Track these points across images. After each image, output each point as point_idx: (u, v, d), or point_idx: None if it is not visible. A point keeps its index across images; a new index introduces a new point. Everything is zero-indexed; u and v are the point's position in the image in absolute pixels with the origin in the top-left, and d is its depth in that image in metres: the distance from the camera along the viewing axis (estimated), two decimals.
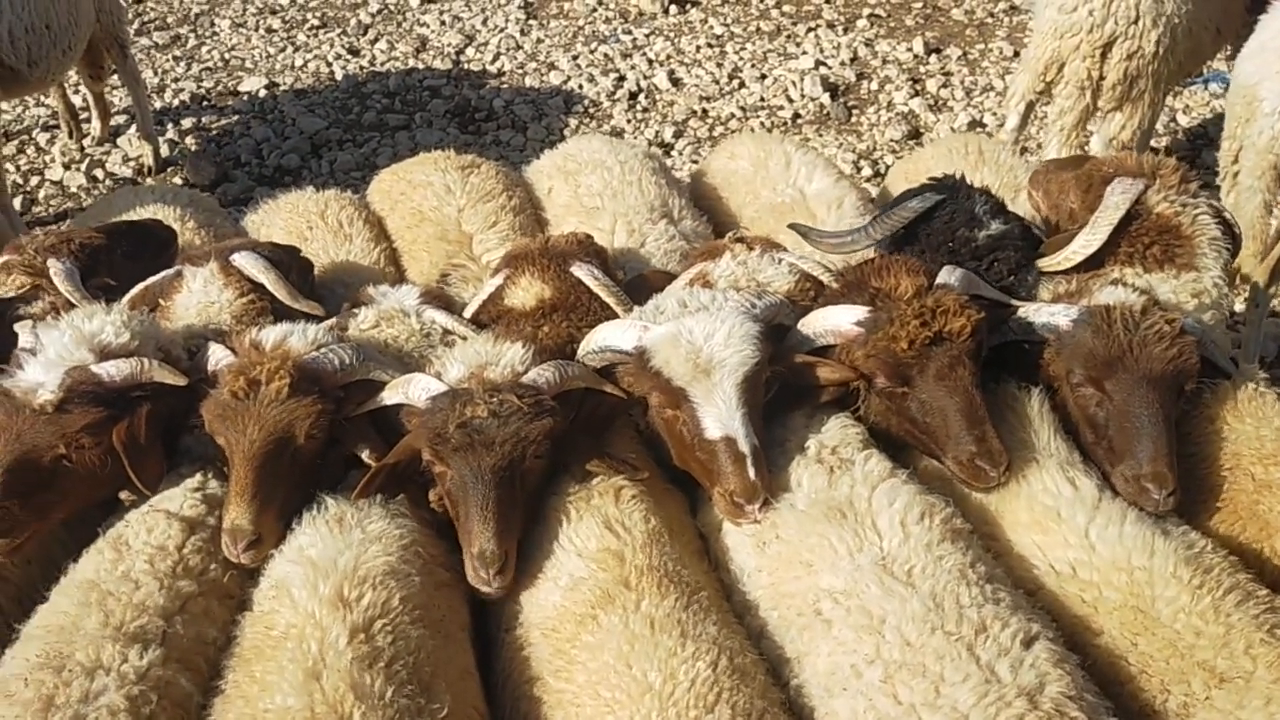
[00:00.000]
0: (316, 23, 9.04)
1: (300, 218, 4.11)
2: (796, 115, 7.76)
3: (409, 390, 2.76)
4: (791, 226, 3.42)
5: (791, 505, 2.70)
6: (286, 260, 3.41)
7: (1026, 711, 2.14)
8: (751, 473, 2.63)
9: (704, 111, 7.82)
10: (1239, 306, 5.38)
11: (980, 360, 2.79)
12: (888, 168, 6.76)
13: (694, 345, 2.72)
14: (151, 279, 3.35)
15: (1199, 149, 7.26)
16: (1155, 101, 5.63)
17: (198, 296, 3.25)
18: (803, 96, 7.94)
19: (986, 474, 2.66)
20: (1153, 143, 6.96)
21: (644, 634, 2.40)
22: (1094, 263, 3.20)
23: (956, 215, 3.29)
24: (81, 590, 2.49)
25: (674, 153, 7.37)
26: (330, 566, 2.42)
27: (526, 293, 3.23)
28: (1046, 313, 2.96)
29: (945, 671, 2.24)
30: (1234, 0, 5.97)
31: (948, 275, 2.92)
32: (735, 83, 8.19)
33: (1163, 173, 3.33)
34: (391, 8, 9.34)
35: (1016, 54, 8.02)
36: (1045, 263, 3.23)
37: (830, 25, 8.97)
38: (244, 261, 3.16)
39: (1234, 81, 4.74)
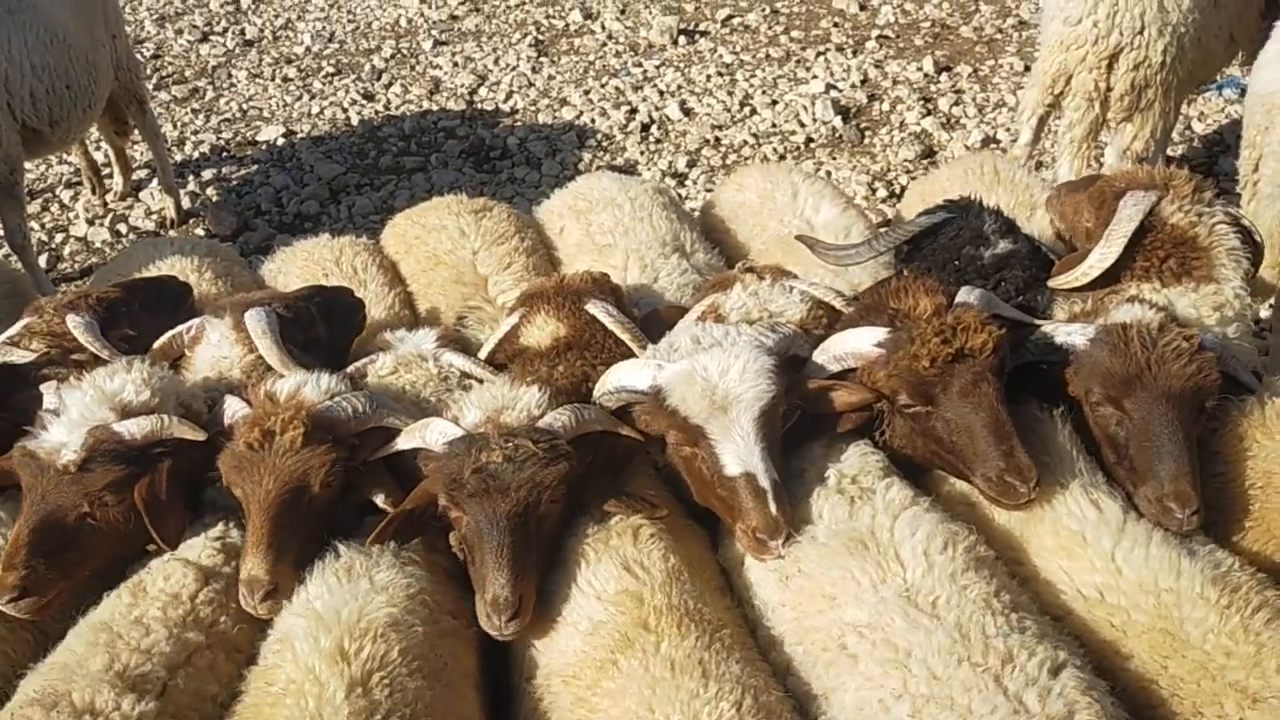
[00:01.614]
0: (332, 70, 9.16)
1: (316, 265, 4.16)
2: (809, 139, 7.77)
3: (425, 435, 2.78)
4: (799, 238, 3.43)
5: (813, 538, 2.68)
6: (306, 314, 3.42)
7: None
8: (773, 508, 2.62)
9: (717, 140, 7.85)
10: (1264, 313, 5.32)
11: (1003, 377, 2.76)
12: (903, 188, 6.75)
13: (709, 382, 2.72)
14: (175, 329, 3.38)
15: (1215, 156, 7.21)
16: (1167, 111, 5.59)
17: (213, 351, 3.28)
18: (815, 120, 7.95)
19: (1016, 490, 2.61)
20: (1169, 151, 6.92)
21: (665, 676, 2.38)
22: (1110, 279, 3.16)
23: (963, 233, 3.29)
24: (94, 631, 2.54)
25: (688, 182, 7.40)
26: (334, 619, 2.43)
27: (542, 331, 3.24)
28: (1064, 332, 2.94)
29: (973, 704, 2.21)
30: (1248, 7, 5.94)
31: (967, 294, 2.91)
32: (747, 110, 8.22)
33: (1175, 183, 3.28)
34: (405, 52, 9.46)
35: (1027, 69, 8.00)
36: (1059, 281, 3.20)
37: (839, 48, 9.00)
38: (249, 321, 3.19)
39: (1252, 89, 4.71)
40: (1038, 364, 2.93)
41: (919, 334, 2.75)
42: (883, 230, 3.26)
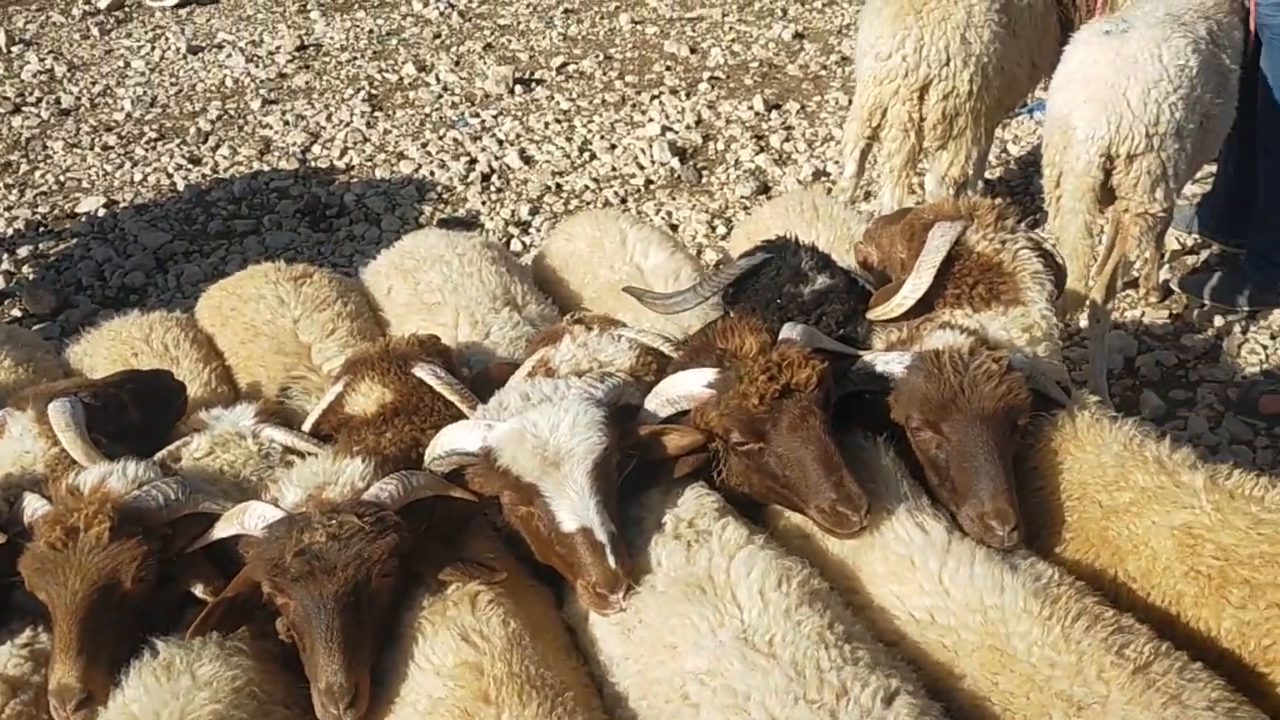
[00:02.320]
0: (154, 135, 8.84)
1: (124, 345, 3.96)
2: (649, 181, 7.87)
3: (244, 520, 2.65)
4: (626, 290, 3.45)
5: (652, 587, 2.66)
6: (117, 401, 3.25)
7: None
8: (611, 561, 2.59)
9: (558, 186, 7.87)
10: (1083, 323, 5.61)
11: (830, 409, 2.81)
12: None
13: (540, 439, 2.68)
14: None
15: (1030, 176, 7.57)
16: (979, 137, 5.86)
17: (14, 445, 3.08)
18: (653, 163, 8.06)
19: (849, 519, 2.65)
20: (988, 173, 7.26)
21: None
22: (924, 308, 3.27)
23: (783, 272, 3.35)
24: None
25: (532, 230, 7.39)
26: None
27: (367, 398, 3.15)
28: (882, 361, 3.02)
29: None
30: (1045, 36, 6.29)
31: (789, 330, 2.96)
32: (586, 155, 8.28)
33: (979, 213, 3.42)
34: (232, 113, 9.21)
35: (850, 103, 8.29)
36: (876, 313, 3.29)
37: (673, 91, 9.16)
38: (53, 413, 3.02)
39: (1049, 113, 5.00)
40: (861, 393, 3.00)
41: (746, 373, 2.77)
42: (707, 276, 3.31)
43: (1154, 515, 2.75)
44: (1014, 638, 2.46)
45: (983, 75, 5.58)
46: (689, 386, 2.89)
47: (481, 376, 3.37)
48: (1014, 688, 2.42)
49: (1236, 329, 5.94)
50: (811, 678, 2.31)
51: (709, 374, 2.85)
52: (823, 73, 9.38)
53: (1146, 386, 5.56)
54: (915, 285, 3.22)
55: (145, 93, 9.65)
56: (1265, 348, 5.81)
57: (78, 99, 9.60)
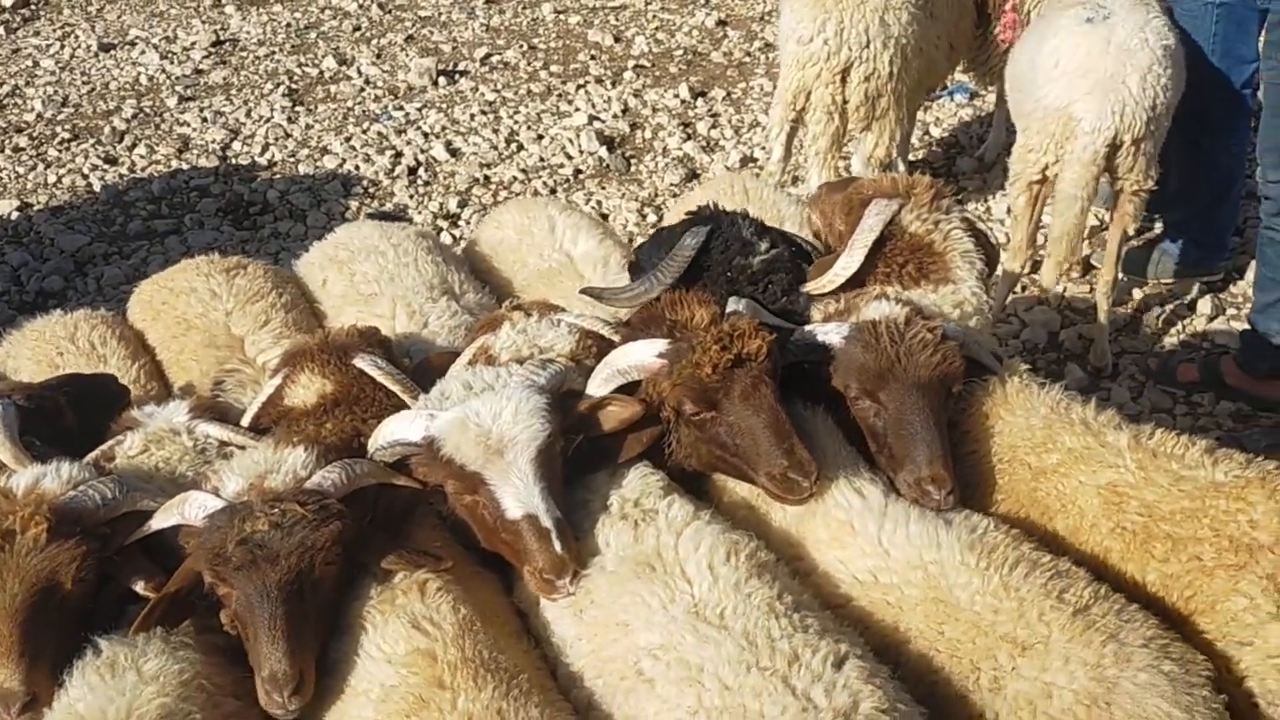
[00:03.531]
0: (68, 135, 8.59)
1: (49, 344, 3.87)
2: (578, 171, 7.86)
3: (185, 510, 2.61)
4: (584, 292, 3.44)
5: (602, 568, 2.69)
6: (52, 404, 3.18)
7: None
8: (557, 546, 2.61)
9: (486, 179, 7.83)
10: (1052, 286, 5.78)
11: (778, 379, 2.86)
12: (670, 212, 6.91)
13: (483, 427, 2.68)
14: None
15: (953, 157, 7.75)
16: (902, 118, 5.97)
17: None
18: (581, 152, 8.05)
19: (799, 485, 2.70)
20: (911, 155, 7.39)
21: None
22: (857, 283, 3.33)
23: (730, 245, 3.38)
24: None
25: (461, 222, 7.34)
26: None
27: (307, 390, 3.11)
28: (821, 332, 3.08)
29: (764, 708, 2.26)
30: (962, 18, 6.43)
31: (735, 304, 3.02)
32: (514, 146, 8.24)
33: (916, 192, 3.49)
34: (148, 111, 8.98)
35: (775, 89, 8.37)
36: (810, 286, 3.35)
37: (599, 80, 9.16)
38: None
39: (1039, 103, 5.07)
40: (800, 364, 3.04)
41: (699, 342, 2.81)
42: (661, 262, 3.31)
43: (1081, 475, 2.86)
44: (956, 589, 2.56)
45: (902, 57, 5.68)
46: (640, 356, 2.91)
47: (422, 366, 3.35)
48: (960, 635, 2.52)
49: (1155, 301, 6.13)
50: (763, 646, 2.37)
51: (660, 344, 2.89)
52: (747, 59, 9.45)
53: (1069, 359, 5.72)
54: (847, 264, 3.29)
55: (56, 92, 9.36)
56: (1183, 319, 6.01)
57: None
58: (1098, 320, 5.52)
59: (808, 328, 3.14)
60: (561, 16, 10.52)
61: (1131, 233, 5.54)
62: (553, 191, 7.62)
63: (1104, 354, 5.53)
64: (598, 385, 2.93)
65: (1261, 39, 5.18)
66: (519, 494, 2.63)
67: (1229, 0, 5.26)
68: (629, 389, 2.92)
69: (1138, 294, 6.18)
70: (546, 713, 2.41)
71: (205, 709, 2.42)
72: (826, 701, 2.24)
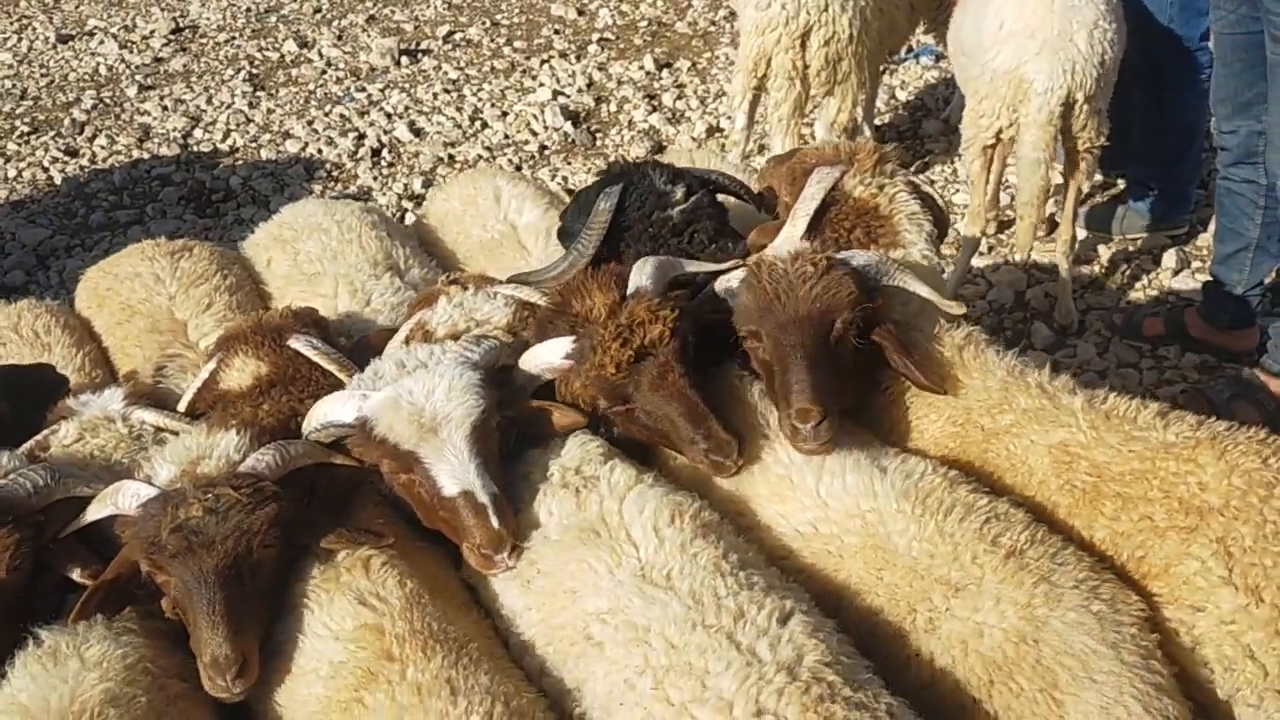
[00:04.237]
0: (26, 128, 8.48)
1: None
2: (543, 147, 7.80)
3: (118, 500, 2.58)
4: (511, 280, 3.37)
5: (546, 537, 2.67)
6: None
7: (786, 684, 2.18)
8: (495, 521, 2.59)
9: (450, 158, 7.76)
10: (1021, 256, 5.75)
11: (689, 355, 2.81)
12: None
13: (416, 406, 2.65)
14: None
15: (919, 120, 7.70)
16: (864, 81, 5.92)
17: None
18: (546, 128, 7.99)
19: (723, 465, 2.72)
20: (876, 120, 7.35)
21: (412, 703, 2.32)
22: None
23: (646, 199, 3.32)
24: None
25: (426, 202, 7.27)
26: (42, 709, 2.23)
27: (242, 373, 3.08)
28: (721, 281, 3.03)
29: (709, 664, 2.26)
30: None
31: (638, 276, 2.93)
32: (478, 124, 8.18)
33: (859, 157, 3.43)
34: (108, 101, 8.88)
35: None
36: (754, 258, 3.29)
37: (563, 55, 9.08)
38: None
39: (989, 68, 4.97)
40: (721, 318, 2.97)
41: (599, 342, 2.76)
42: (580, 232, 3.25)
43: (1032, 434, 2.84)
44: (894, 535, 2.58)
45: (861, 19, 5.63)
46: (549, 359, 2.89)
47: (361, 344, 3.31)
48: (898, 579, 2.55)
49: (1120, 258, 6.11)
50: (709, 605, 2.36)
51: (566, 344, 2.85)
52: (711, 29, 9.38)
53: (1036, 318, 5.70)
54: (790, 233, 3.23)
55: (14, 85, 9.25)
56: (1147, 273, 6.00)
57: None
58: (1060, 278, 5.50)
59: (716, 282, 3.05)
60: None
61: (1086, 189, 5.53)
62: (518, 168, 7.56)
63: (1069, 311, 5.51)
64: (524, 373, 2.91)
65: None
66: (454, 471, 2.60)
67: None
68: (548, 385, 2.91)
69: (1103, 250, 6.16)
70: (497, 679, 2.40)
71: (150, 692, 2.40)
72: (771, 655, 2.23)
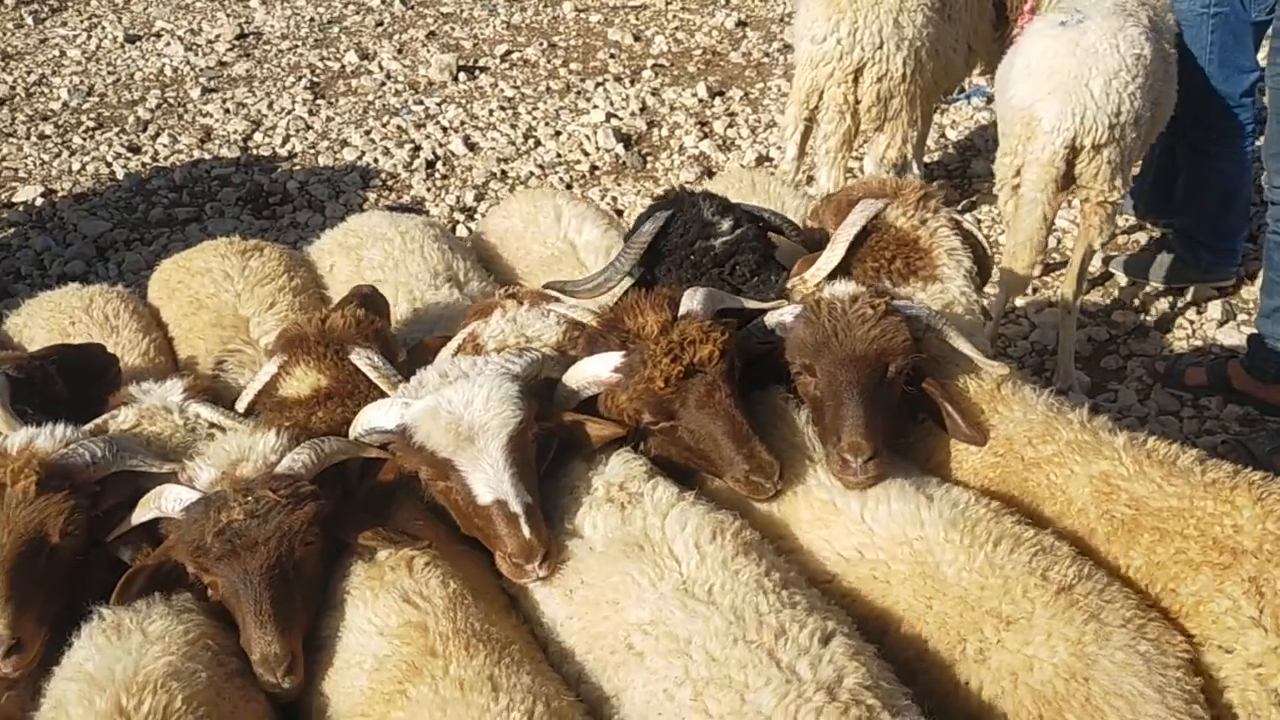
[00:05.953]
0: (92, 124, 8.71)
1: (63, 314, 3.96)
2: (594, 167, 7.91)
3: (162, 504, 2.66)
4: (547, 286, 3.44)
5: (590, 549, 2.72)
6: (41, 373, 3.25)
7: (825, 704, 2.21)
8: (526, 531, 2.63)
9: (503, 173, 7.88)
10: (1020, 302, 5.72)
11: (735, 378, 2.87)
12: None
13: (454, 415, 2.71)
14: None
15: (968, 160, 7.74)
16: (915, 119, 5.96)
17: None
18: (598, 149, 8.10)
19: (763, 486, 2.76)
20: (926, 157, 7.38)
21: (454, 696, 2.37)
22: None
23: (690, 227, 3.37)
24: None
25: (478, 215, 7.39)
26: (107, 678, 2.30)
27: (301, 383, 3.14)
28: (775, 315, 3.09)
29: (749, 679, 2.29)
30: (980, 20, 6.42)
31: (689, 300, 3.00)
32: (531, 142, 8.30)
33: (903, 192, 3.49)
34: (171, 101, 9.10)
35: None
36: (794, 282, 3.35)
37: (617, 79, 9.20)
38: None
39: (1008, 104, 5.02)
40: (772, 349, 3.04)
41: (649, 356, 2.82)
42: (621, 251, 3.31)
43: (1074, 465, 2.87)
44: (943, 565, 2.61)
45: (916, 58, 5.68)
46: (596, 372, 2.95)
47: (417, 349, 3.38)
48: (947, 609, 2.57)
49: (1165, 305, 6.11)
50: (750, 621, 2.40)
51: (615, 358, 2.91)
52: (765, 60, 9.47)
53: (1079, 362, 5.70)
54: (829, 257, 3.29)
55: (82, 82, 9.50)
56: (1191, 323, 5.99)
57: (12, 88, 9.43)
58: (1060, 340, 5.40)
59: (768, 315, 3.11)
60: (582, 15, 10.59)
61: (1097, 248, 5.42)
62: (568, 187, 7.66)
63: (1068, 374, 5.37)
64: (568, 388, 2.96)
65: (1265, 47, 5.17)
66: (489, 480, 2.65)
67: (1223, 10, 5.25)
68: (590, 401, 2.96)
69: (1149, 299, 6.15)
70: (538, 680, 2.45)
71: (210, 668, 2.46)
72: (811, 674, 2.26)
